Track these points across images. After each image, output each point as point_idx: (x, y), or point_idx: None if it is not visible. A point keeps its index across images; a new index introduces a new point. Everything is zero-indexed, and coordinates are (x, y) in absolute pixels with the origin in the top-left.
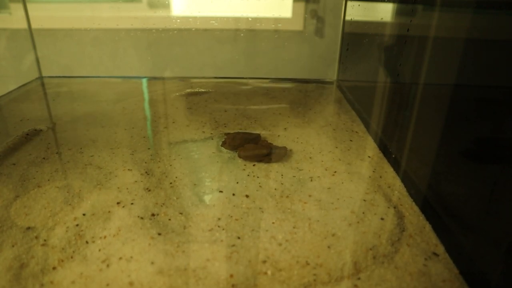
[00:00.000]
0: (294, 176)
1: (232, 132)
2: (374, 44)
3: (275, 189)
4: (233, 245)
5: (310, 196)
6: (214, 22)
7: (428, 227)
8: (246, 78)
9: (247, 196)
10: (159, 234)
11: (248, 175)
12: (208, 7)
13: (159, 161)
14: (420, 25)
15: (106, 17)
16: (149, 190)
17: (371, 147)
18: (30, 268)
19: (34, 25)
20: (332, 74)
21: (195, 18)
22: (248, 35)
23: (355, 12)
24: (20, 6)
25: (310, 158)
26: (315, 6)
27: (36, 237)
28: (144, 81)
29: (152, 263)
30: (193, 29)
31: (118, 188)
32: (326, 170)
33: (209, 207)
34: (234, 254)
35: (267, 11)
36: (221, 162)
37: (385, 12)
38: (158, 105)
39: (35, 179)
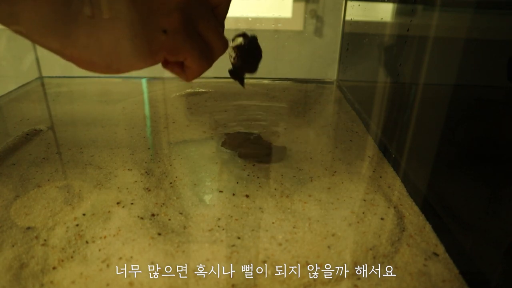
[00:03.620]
0: (294, 176)
1: (232, 132)
2: (374, 44)
3: (275, 189)
4: (233, 245)
5: (310, 196)
6: None
7: (428, 227)
8: (246, 78)
9: (247, 196)
10: (159, 234)
11: (248, 175)
12: None
13: (159, 161)
14: (420, 25)
15: None
16: (149, 190)
17: (371, 147)
18: (30, 268)
19: None
20: (332, 74)
21: None
22: None
23: (355, 12)
24: None
25: (310, 158)
26: (315, 6)
27: (36, 237)
28: (144, 81)
29: (152, 263)
30: None
31: (118, 188)
32: (326, 170)
33: (209, 207)
34: (234, 254)
35: (267, 11)
36: (221, 162)
37: (385, 12)
38: (158, 105)
39: (35, 179)
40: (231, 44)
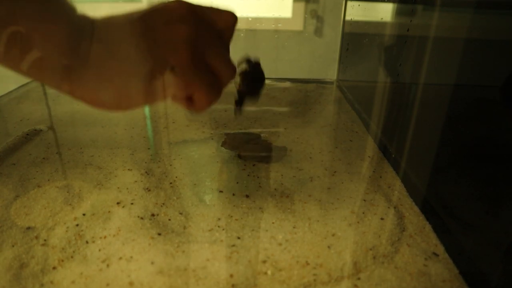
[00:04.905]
0: (294, 176)
1: (232, 132)
2: (374, 44)
3: (275, 189)
4: (233, 245)
5: (310, 196)
6: None
7: (428, 227)
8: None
9: (247, 196)
10: (159, 234)
11: (248, 175)
12: None
13: (159, 161)
14: (420, 25)
15: None
16: (149, 190)
17: (371, 147)
18: (30, 268)
19: None
20: (332, 74)
21: None
22: (248, 35)
23: (355, 12)
24: None
25: (310, 158)
26: (315, 6)
27: (36, 237)
28: None
29: (152, 263)
30: None
31: (118, 188)
32: (326, 170)
33: (209, 207)
34: (234, 254)
35: (267, 11)
36: (221, 162)
37: (385, 12)
38: (158, 105)
39: (35, 179)
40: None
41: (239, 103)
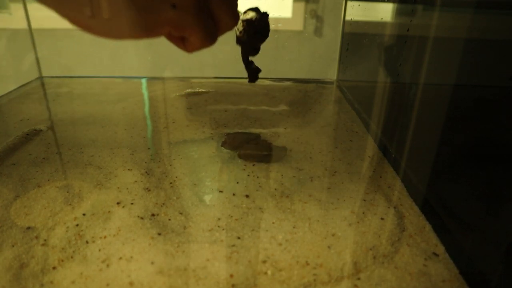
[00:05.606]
0: (294, 176)
1: (232, 132)
2: (374, 44)
3: (275, 189)
4: (233, 245)
5: (310, 196)
6: None
7: (428, 227)
8: (246, 78)
9: (247, 196)
10: (159, 234)
11: (248, 175)
12: None
13: (159, 161)
14: (420, 25)
15: None
16: (149, 190)
17: (371, 147)
18: (30, 268)
19: (34, 25)
20: (332, 74)
21: None
22: None
23: (355, 12)
24: (20, 6)
25: (310, 158)
26: (315, 6)
27: (36, 237)
28: (144, 81)
29: (152, 263)
30: None
31: (118, 188)
32: (326, 170)
33: (209, 207)
34: (234, 254)
35: (267, 11)
36: (221, 162)
37: (385, 12)
38: (158, 105)
39: (35, 179)
40: (241, 17)
41: (247, 64)
